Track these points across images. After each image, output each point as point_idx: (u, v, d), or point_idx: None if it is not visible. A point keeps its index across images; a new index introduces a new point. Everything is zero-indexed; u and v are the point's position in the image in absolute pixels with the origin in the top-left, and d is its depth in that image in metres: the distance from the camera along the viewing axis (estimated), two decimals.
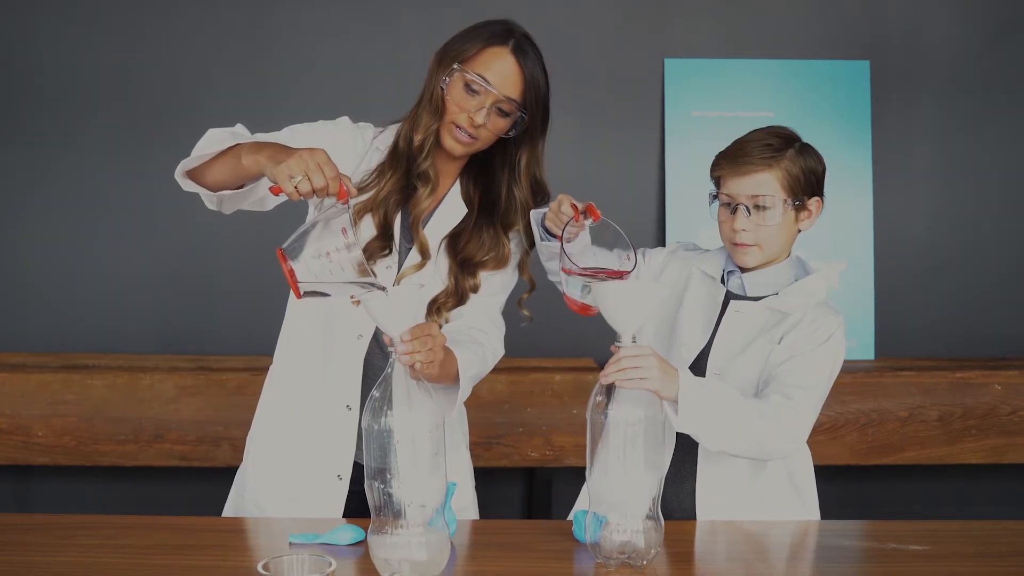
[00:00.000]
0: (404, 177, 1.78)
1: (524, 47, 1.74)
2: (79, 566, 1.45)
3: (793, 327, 1.70)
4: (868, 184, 2.98)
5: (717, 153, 1.76)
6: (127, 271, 2.97)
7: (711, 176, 1.77)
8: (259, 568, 1.25)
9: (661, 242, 2.96)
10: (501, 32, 1.73)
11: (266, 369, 1.89)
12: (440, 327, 1.76)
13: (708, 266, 1.81)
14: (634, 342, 1.49)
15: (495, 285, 1.85)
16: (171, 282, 2.96)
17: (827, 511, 1.83)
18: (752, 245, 1.71)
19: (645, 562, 1.47)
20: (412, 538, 1.38)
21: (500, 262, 1.83)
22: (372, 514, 1.41)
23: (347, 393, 1.78)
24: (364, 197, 1.76)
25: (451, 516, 1.53)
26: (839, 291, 2.95)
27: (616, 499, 1.46)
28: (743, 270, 1.76)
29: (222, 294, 2.96)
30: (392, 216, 1.77)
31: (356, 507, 1.76)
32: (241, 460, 1.91)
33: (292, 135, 1.77)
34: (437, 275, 1.80)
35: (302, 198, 1.49)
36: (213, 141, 1.65)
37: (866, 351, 2.94)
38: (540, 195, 1.84)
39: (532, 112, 1.75)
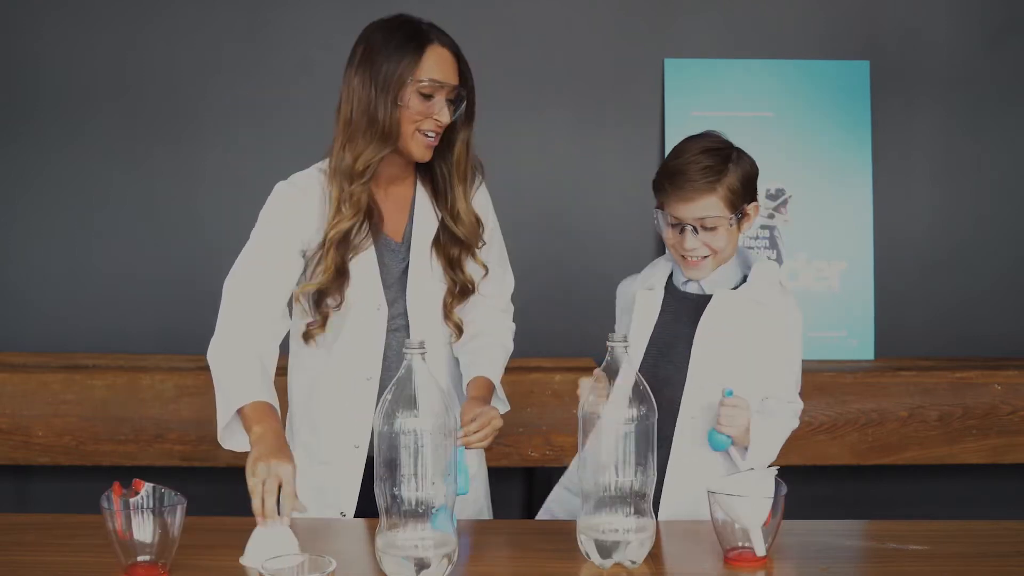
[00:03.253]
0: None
1: (440, 33, 1.79)
2: (79, 566, 1.46)
3: (764, 319, 1.78)
4: (868, 184, 2.97)
5: (658, 171, 1.81)
6: (127, 271, 2.97)
7: (655, 195, 1.82)
8: (259, 568, 1.25)
9: (661, 243, 2.95)
10: (417, 32, 1.77)
11: None
12: (456, 328, 1.89)
13: (652, 280, 1.87)
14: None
15: (492, 281, 1.93)
16: (171, 282, 2.96)
17: (827, 511, 1.83)
18: (704, 257, 1.78)
19: (638, 560, 1.47)
20: (420, 540, 1.39)
21: (473, 239, 1.87)
22: (380, 514, 1.42)
23: (368, 366, 1.84)
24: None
25: (453, 516, 1.52)
26: (839, 291, 2.95)
27: (609, 498, 1.47)
28: None
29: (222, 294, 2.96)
30: (347, 254, 1.79)
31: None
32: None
33: (252, 263, 1.81)
34: (435, 279, 1.86)
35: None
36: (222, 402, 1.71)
37: (866, 351, 2.94)
38: (476, 172, 1.89)
39: (471, 90, 1.82)
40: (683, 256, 1.78)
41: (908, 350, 3.00)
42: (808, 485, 2.35)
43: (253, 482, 1.52)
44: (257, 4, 2.95)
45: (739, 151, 1.79)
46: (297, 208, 1.81)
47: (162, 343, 2.95)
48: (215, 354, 1.75)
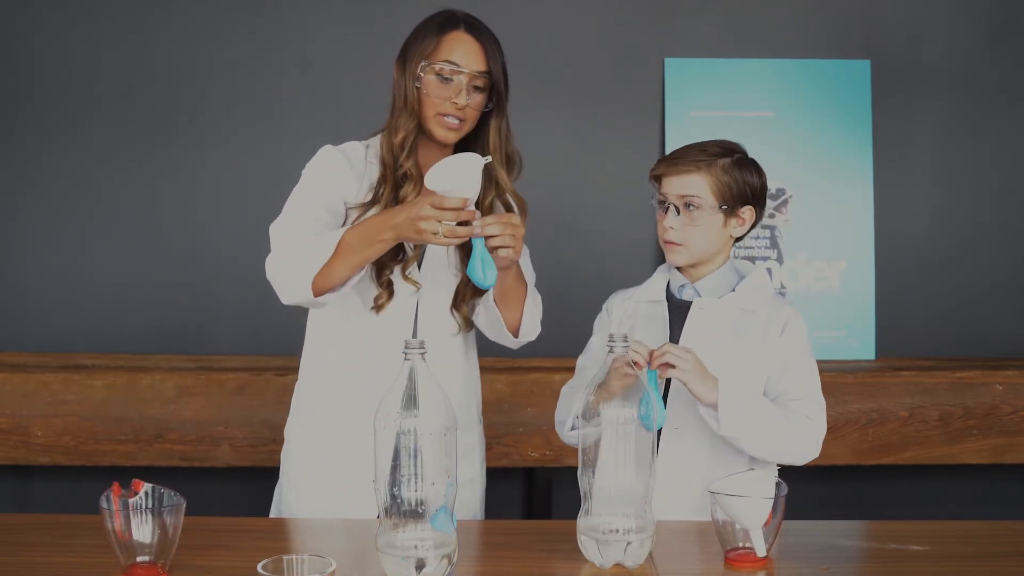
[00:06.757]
0: (396, 185, 1.85)
1: (473, 23, 1.83)
2: (79, 566, 1.46)
3: (755, 326, 1.78)
4: (868, 184, 2.97)
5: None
6: (127, 271, 2.96)
7: (650, 177, 1.85)
8: (259, 568, 1.25)
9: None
10: (448, 18, 1.83)
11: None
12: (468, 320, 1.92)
13: (650, 292, 1.87)
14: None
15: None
16: (171, 282, 2.96)
17: (827, 511, 1.83)
18: (679, 244, 1.78)
19: (638, 561, 1.47)
20: (419, 540, 1.39)
21: None
22: (380, 514, 1.42)
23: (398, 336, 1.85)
24: (371, 213, 1.83)
25: (453, 516, 1.52)
26: (839, 291, 2.95)
27: (608, 498, 1.47)
28: (691, 279, 1.82)
29: (222, 294, 2.96)
30: None
31: None
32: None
33: (300, 203, 1.84)
34: (450, 267, 1.89)
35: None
36: (312, 253, 1.71)
37: (866, 351, 2.94)
38: (513, 162, 1.91)
39: (499, 80, 1.84)
40: (664, 240, 1.80)
41: (908, 350, 3.00)
42: (808, 485, 2.35)
43: (428, 218, 1.61)
44: (257, 4, 2.95)
45: (751, 160, 1.82)
46: (342, 167, 1.87)
47: (162, 343, 2.95)
48: (281, 256, 1.76)
